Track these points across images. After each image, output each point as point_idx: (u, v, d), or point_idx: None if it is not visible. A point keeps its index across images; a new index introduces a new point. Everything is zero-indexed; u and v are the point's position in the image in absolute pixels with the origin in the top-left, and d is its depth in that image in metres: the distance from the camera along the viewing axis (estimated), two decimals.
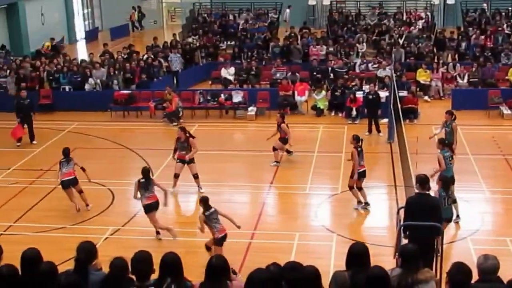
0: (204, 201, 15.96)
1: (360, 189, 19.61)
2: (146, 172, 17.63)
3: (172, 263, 8.31)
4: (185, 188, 21.72)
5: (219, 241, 15.64)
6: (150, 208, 17.52)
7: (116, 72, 32.91)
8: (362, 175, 19.48)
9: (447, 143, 19.44)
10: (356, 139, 19.57)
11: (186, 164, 21.07)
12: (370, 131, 26.97)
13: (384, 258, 15.52)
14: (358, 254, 8.76)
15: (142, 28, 54.62)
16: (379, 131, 26.90)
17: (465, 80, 32.87)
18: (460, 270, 8.07)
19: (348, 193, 20.50)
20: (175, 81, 35.05)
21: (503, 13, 45.33)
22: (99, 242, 17.06)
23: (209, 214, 15.71)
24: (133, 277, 8.27)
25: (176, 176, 21.14)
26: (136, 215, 19.54)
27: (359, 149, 19.41)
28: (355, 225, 19.16)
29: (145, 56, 35.34)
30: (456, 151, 21.36)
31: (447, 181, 16.62)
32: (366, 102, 27.86)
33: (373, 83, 29.65)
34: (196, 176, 21.27)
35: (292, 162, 23.51)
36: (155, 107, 30.29)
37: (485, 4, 47.45)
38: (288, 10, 48.91)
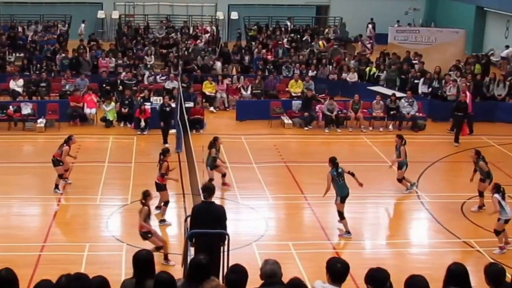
0: None
1: None
2: None
3: None
4: None
5: None
6: None
7: None
8: None
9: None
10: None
11: None
12: (166, 141, 26.89)
13: (173, 266, 15.59)
14: (142, 260, 8.78)
15: None
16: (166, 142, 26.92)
17: (249, 92, 33.58)
18: (233, 270, 8.33)
19: (138, 203, 20.42)
20: None
21: (283, 28, 46.85)
22: None
23: None
24: None
25: None
26: None
27: None
28: None
29: None
30: (241, 160, 21.79)
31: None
32: (162, 114, 27.43)
33: (166, 95, 29.40)
34: None
35: (83, 173, 23.06)
36: None
37: (288, 22, 48.88)
38: (83, 25, 47.85)
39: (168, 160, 19.72)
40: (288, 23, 48.88)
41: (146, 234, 16.40)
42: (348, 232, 18.74)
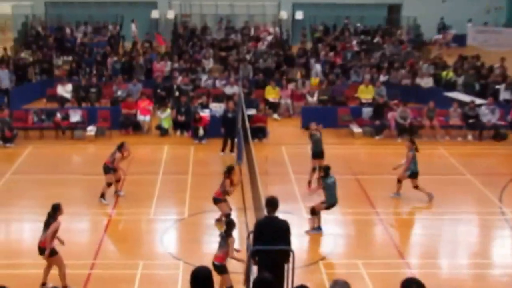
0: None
1: None
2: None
3: None
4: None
5: None
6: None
7: None
8: None
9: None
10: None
11: None
12: (224, 150, 27.15)
13: (235, 286, 15.62)
14: (200, 278, 8.89)
15: None
16: (232, 151, 27.04)
17: (315, 98, 33.57)
18: None
19: (195, 217, 20.60)
20: (6, 100, 33.84)
21: (352, 30, 46.74)
22: None
23: None
24: None
25: None
26: None
27: None
28: (204, 251, 19.05)
29: None
30: (307, 171, 21.86)
31: None
32: (225, 120, 27.58)
33: (229, 101, 29.50)
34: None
35: (135, 185, 23.26)
36: None
37: (346, 20, 48.76)
38: (133, 25, 48.63)
39: (233, 177, 19.90)
40: (358, 25, 48.76)
41: (224, 268, 15.51)
42: (319, 228, 19.90)
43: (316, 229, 19.80)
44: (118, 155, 21.91)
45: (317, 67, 37.18)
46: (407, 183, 22.46)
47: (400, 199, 22.33)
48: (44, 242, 16.05)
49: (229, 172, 19.91)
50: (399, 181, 22.52)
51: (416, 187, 22.45)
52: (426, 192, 22.43)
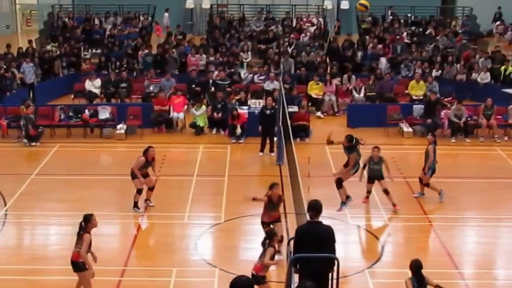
0: None
1: None
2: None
3: None
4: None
5: None
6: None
7: None
8: None
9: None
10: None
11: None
12: (263, 150, 27.27)
13: None
14: None
15: None
16: (272, 151, 27.12)
17: (362, 94, 33.48)
18: None
19: (232, 222, 20.66)
20: (31, 95, 34.11)
21: (402, 20, 46.49)
22: None
23: None
24: None
25: None
26: None
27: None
28: (240, 258, 19.14)
29: None
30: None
31: None
32: (263, 118, 27.44)
33: (268, 96, 29.38)
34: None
35: (168, 188, 23.34)
36: (8, 125, 29.59)
37: (393, 10, 48.61)
38: (166, 14, 48.83)
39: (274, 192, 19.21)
40: (409, 15, 48.56)
41: (261, 278, 15.38)
42: (343, 203, 21.38)
43: (346, 202, 21.18)
44: (140, 159, 21.24)
45: (383, 62, 37.06)
46: (462, 185, 22.43)
47: (452, 204, 22.20)
48: (75, 256, 15.73)
49: (269, 188, 18.65)
50: (427, 184, 22.51)
51: (421, 180, 22.79)
52: (420, 190, 22.98)
